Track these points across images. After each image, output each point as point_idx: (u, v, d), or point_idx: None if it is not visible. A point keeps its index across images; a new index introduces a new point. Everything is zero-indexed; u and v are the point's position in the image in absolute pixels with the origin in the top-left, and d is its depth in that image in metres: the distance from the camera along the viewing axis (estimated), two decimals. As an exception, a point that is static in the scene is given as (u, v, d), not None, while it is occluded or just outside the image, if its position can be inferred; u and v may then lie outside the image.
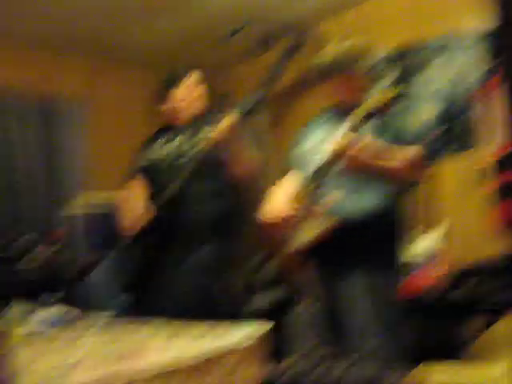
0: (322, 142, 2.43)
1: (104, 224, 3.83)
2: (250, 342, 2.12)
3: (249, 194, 4.21)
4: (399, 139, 2.28)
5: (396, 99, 2.13)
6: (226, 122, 2.64)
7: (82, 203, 3.92)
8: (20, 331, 2.30)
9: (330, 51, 2.46)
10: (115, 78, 4.63)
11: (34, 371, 1.68)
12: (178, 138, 3.02)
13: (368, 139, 2.15)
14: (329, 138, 2.38)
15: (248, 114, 2.74)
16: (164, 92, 3.11)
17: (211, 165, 2.89)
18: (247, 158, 2.85)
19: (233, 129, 2.63)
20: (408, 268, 2.48)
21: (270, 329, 2.25)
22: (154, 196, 2.93)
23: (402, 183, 2.33)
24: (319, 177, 2.30)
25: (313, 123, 2.59)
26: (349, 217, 2.29)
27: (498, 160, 3.23)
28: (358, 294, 2.32)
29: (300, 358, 0.58)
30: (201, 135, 2.92)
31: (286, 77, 4.25)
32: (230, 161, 2.86)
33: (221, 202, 2.95)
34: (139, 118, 4.69)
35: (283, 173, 2.69)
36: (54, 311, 2.77)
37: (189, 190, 2.88)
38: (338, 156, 2.15)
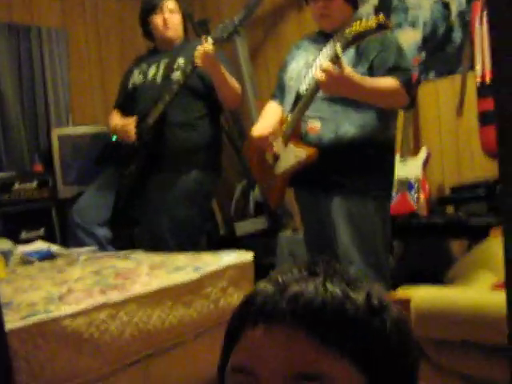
0: (304, 67, 2.39)
1: (85, 154, 3.80)
2: (233, 270, 2.15)
3: (232, 122, 4.19)
4: (379, 68, 2.25)
5: (380, 27, 2.08)
6: (203, 48, 2.61)
7: (62, 135, 3.86)
8: (4, 266, 2.29)
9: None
10: (91, 8, 4.50)
11: (20, 304, 1.69)
12: (159, 63, 2.98)
13: (348, 69, 2.11)
14: (311, 63, 2.34)
15: (224, 39, 2.69)
16: (144, 19, 3.08)
17: (193, 90, 2.87)
18: (229, 85, 2.81)
19: (209, 55, 2.61)
20: (389, 194, 2.49)
21: (253, 257, 2.28)
22: (137, 121, 2.91)
23: (386, 109, 2.31)
24: (301, 104, 2.27)
25: (295, 49, 2.54)
26: (329, 144, 2.28)
27: (479, 87, 3.22)
28: (337, 221, 2.34)
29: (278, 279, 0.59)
30: (180, 61, 2.88)
31: (266, 1, 4.18)
32: (211, 87, 2.83)
33: (204, 128, 2.94)
34: (116, 48, 4.59)
35: (267, 99, 2.66)
36: (36, 247, 2.77)
37: (171, 116, 2.86)
38: (320, 83, 2.12)
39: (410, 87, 2.29)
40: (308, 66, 2.37)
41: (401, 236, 3.37)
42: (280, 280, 0.66)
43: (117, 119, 3.02)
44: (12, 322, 1.49)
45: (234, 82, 2.86)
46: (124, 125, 2.92)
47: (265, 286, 0.66)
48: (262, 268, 2.67)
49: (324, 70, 2.06)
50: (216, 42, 2.64)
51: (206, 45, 2.63)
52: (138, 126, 2.90)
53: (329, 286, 0.64)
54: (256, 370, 0.61)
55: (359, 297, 0.64)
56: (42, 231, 3.59)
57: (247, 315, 0.65)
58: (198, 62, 2.68)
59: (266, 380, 0.61)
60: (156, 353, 1.85)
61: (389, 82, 2.21)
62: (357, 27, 2.08)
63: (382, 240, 2.39)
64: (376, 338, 0.63)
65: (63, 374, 1.58)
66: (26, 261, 2.51)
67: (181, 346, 1.94)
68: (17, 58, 4.00)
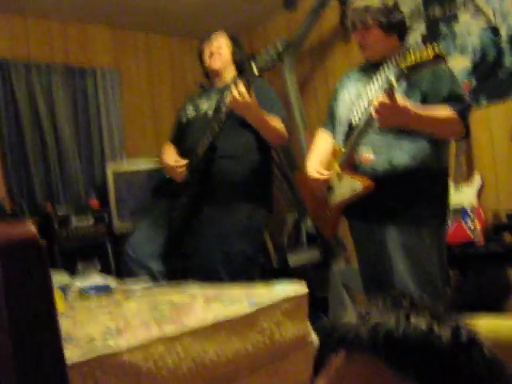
0: (355, 97, 2.39)
1: (139, 190, 3.89)
2: (288, 303, 2.13)
3: (283, 153, 4.21)
4: (432, 99, 2.22)
5: (437, 57, 2.06)
6: (234, 92, 2.64)
7: (117, 171, 3.96)
8: (62, 299, 2.34)
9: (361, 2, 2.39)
10: (142, 47, 4.64)
11: (78, 338, 1.71)
12: (211, 98, 3.05)
13: (403, 100, 2.10)
14: (362, 94, 2.34)
15: (269, 67, 2.70)
16: (199, 54, 3.16)
17: (241, 121, 2.88)
18: (268, 127, 2.85)
19: (240, 102, 2.62)
20: (445, 222, 2.44)
21: (308, 288, 2.26)
22: (187, 154, 2.96)
23: (439, 138, 2.28)
24: (355, 135, 2.27)
25: (345, 78, 2.55)
26: (383, 174, 2.27)
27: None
28: (393, 252, 2.31)
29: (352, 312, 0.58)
30: (228, 96, 2.92)
31: (314, 33, 4.22)
32: (257, 123, 2.86)
33: (253, 160, 2.96)
34: (167, 85, 4.70)
35: (317, 130, 2.67)
36: (93, 280, 2.82)
37: (220, 148, 2.90)
38: (376, 116, 2.12)
39: (466, 116, 2.25)
40: (359, 95, 2.37)
41: (457, 266, 3.30)
42: (363, 310, 0.67)
43: (169, 158, 3.06)
44: (72, 356, 1.51)
45: (275, 123, 2.86)
46: (175, 166, 2.97)
47: (348, 315, 0.67)
48: (315, 300, 2.65)
49: (379, 103, 2.05)
50: (261, 71, 2.64)
51: (238, 88, 2.63)
52: (189, 158, 2.94)
53: (412, 318, 0.63)
54: None
55: (445, 331, 0.62)
56: (97, 263, 3.66)
57: (330, 343, 0.67)
58: (232, 105, 2.70)
59: None
60: (212, 387, 1.84)
61: (444, 112, 2.18)
62: (411, 58, 2.06)
63: (439, 269, 2.35)
64: (461, 375, 0.61)
65: (122, 408, 1.59)
66: (83, 295, 2.55)
67: (237, 382, 1.93)
68: (73, 97, 4.15)
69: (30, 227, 1.37)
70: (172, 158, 3.04)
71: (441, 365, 0.61)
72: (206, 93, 3.15)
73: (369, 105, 2.16)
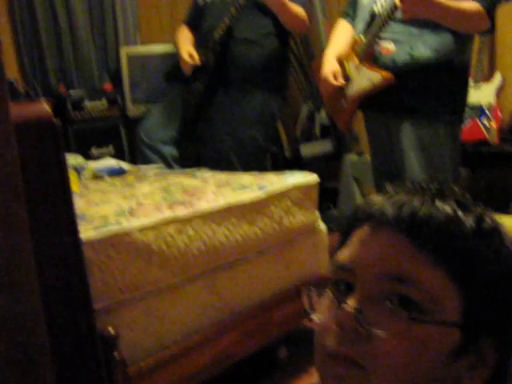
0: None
1: (153, 73, 3.85)
2: (297, 190, 2.17)
3: (300, 42, 4.12)
4: None
5: None
6: None
7: (131, 54, 3.90)
8: (76, 179, 2.38)
9: None
10: None
11: (93, 216, 1.76)
12: None
13: None
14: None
15: None
16: None
17: (260, 6, 2.80)
18: (289, 12, 2.75)
19: None
20: (461, 119, 2.41)
21: (318, 179, 2.28)
22: (204, 38, 2.91)
23: (463, 32, 2.21)
24: (376, 25, 2.20)
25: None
26: (403, 66, 2.22)
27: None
28: (407, 147, 2.30)
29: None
30: None
31: None
32: (277, 7, 2.77)
33: (270, 47, 2.89)
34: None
35: (336, 19, 2.59)
36: (106, 163, 2.85)
37: (237, 31, 2.84)
38: (398, 5, 2.04)
39: (493, 11, 2.17)
40: None
41: (469, 163, 3.30)
42: (391, 190, 0.69)
43: (184, 49, 2.99)
44: (86, 233, 1.56)
45: (296, 10, 2.78)
46: (186, 59, 2.92)
47: (376, 195, 0.70)
48: (325, 191, 2.69)
49: None
50: None
51: None
52: (205, 42, 2.89)
53: (438, 202, 0.65)
54: (354, 267, 0.65)
55: (469, 217, 0.64)
56: (111, 148, 3.69)
57: (356, 218, 0.69)
58: None
59: (361, 276, 0.64)
60: (221, 267, 1.91)
61: (471, 5, 2.10)
62: None
63: (452, 166, 2.35)
64: (479, 260, 0.63)
65: (134, 282, 1.66)
66: (97, 176, 2.60)
67: (244, 262, 2.00)
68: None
69: (45, 107, 1.38)
70: (186, 47, 2.99)
71: (460, 246, 0.63)
72: None
73: None
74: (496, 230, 0.66)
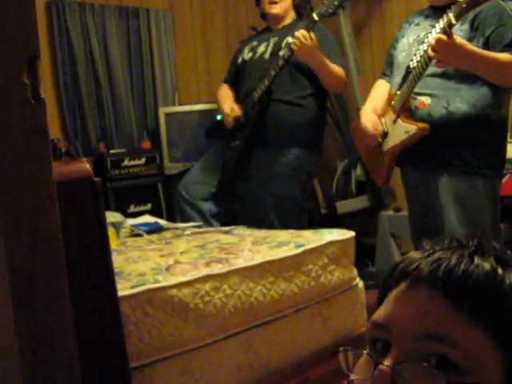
0: (415, 42, 2.32)
1: (191, 132, 3.93)
2: (334, 247, 2.15)
3: (335, 100, 4.17)
4: (495, 45, 2.14)
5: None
6: (298, 35, 2.62)
7: (169, 112, 3.99)
8: (115, 236, 2.41)
9: None
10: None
11: (130, 273, 1.78)
12: (268, 42, 3.03)
13: (460, 38, 2.03)
14: (422, 38, 2.27)
15: (330, 14, 2.66)
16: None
17: (299, 67, 2.87)
18: (329, 72, 2.82)
19: (304, 45, 2.61)
20: (500, 173, 2.38)
21: (355, 235, 2.27)
22: (244, 97, 3.00)
23: (500, 85, 2.20)
24: (411, 78, 2.22)
25: (406, 24, 2.47)
26: (439, 120, 2.22)
27: None
28: (445, 201, 2.28)
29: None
30: (289, 39, 2.88)
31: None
32: (319, 68, 2.82)
33: (308, 106, 2.94)
34: (220, 29, 4.67)
35: (370, 76, 2.62)
36: (144, 220, 2.89)
37: (277, 93, 2.90)
38: (433, 53, 2.05)
39: None
40: (419, 41, 2.29)
41: (509, 219, 3.24)
42: (428, 247, 0.68)
43: (226, 104, 3.07)
44: (123, 290, 1.57)
45: (335, 69, 2.84)
46: (230, 115, 2.99)
47: (414, 252, 0.69)
48: (363, 247, 2.66)
49: (436, 40, 1.99)
50: (321, 17, 2.62)
51: (301, 33, 2.62)
52: (244, 101, 2.95)
53: (476, 258, 0.64)
54: (390, 325, 0.64)
55: (509, 274, 0.63)
56: (149, 206, 3.75)
57: (393, 276, 0.69)
58: (295, 49, 2.69)
59: (397, 335, 0.63)
60: (257, 325, 1.89)
61: (507, 56, 2.10)
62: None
63: (491, 222, 2.31)
64: None
65: (170, 340, 1.65)
66: (134, 233, 2.63)
67: (281, 321, 1.97)
68: (126, 39, 4.16)
69: (86, 166, 1.42)
70: (228, 104, 3.06)
71: (500, 305, 0.61)
72: (262, 35, 3.13)
73: (427, 47, 2.09)
74: None
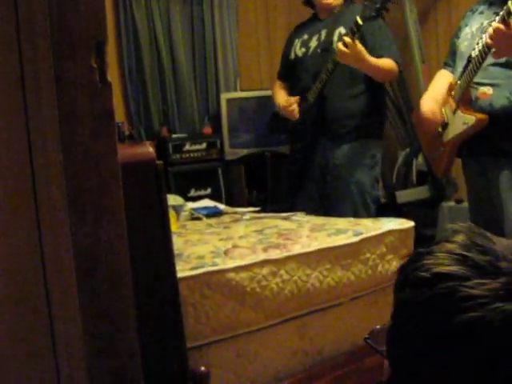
0: (478, 31, 2.26)
1: (251, 118, 3.95)
2: (393, 236, 2.13)
3: (398, 88, 4.10)
4: None
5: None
6: (341, 45, 2.57)
7: (231, 98, 4.01)
8: (175, 219, 2.46)
9: None
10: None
11: (189, 256, 1.81)
12: (319, 34, 2.97)
13: None
14: (485, 27, 2.21)
15: (373, 16, 2.60)
16: None
17: (347, 66, 2.78)
18: (378, 72, 2.76)
19: (347, 54, 2.58)
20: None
21: (414, 226, 2.24)
22: (298, 93, 2.96)
23: None
24: (471, 68, 2.17)
25: (470, 13, 2.41)
26: (501, 110, 2.16)
27: None
28: (506, 194, 2.22)
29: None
30: (341, 30, 2.83)
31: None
32: (367, 69, 2.75)
33: (365, 100, 2.88)
34: (283, 15, 4.65)
35: (435, 65, 2.57)
36: (204, 204, 2.94)
37: (330, 93, 2.86)
38: (488, 40, 2.00)
39: None
40: (482, 30, 2.24)
41: None
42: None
43: (280, 97, 3.08)
44: (182, 272, 1.61)
45: (384, 64, 2.77)
46: (287, 106, 2.99)
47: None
48: (422, 237, 2.62)
49: (494, 29, 1.94)
50: (365, 21, 2.56)
51: (345, 41, 2.58)
52: (300, 103, 2.95)
53: None
54: None
55: None
56: (209, 190, 3.79)
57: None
58: (339, 58, 2.66)
59: None
60: (312, 311, 1.90)
61: None
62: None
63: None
64: None
65: (226, 322, 1.68)
66: (194, 216, 2.67)
67: (337, 308, 1.98)
68: (190, 25, 4.20)
69: (149, 149, 1.45)
70: (283, 98, 3.05)
71: None
72: (312, 27, 3.07)
73: (487, 37, 2.04)
74: None
